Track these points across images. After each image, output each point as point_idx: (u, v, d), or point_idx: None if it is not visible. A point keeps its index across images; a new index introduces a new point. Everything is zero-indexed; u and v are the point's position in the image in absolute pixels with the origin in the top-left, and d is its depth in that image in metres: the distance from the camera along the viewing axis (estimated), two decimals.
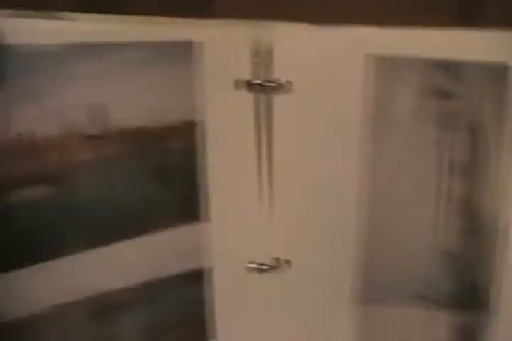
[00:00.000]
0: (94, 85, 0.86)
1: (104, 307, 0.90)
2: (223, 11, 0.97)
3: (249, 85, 0.93)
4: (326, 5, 0.98)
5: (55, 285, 0.84)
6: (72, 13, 0.84)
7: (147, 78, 0.89)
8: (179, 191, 0.93)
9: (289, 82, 0.94)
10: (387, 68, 0.91)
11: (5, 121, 0.79)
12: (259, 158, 0.96)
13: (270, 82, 0.94)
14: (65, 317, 0.86)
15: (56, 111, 0.81)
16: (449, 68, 0.88)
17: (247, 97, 0.94)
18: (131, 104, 0.88)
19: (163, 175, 0.92)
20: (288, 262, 0.97)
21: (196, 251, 0.95)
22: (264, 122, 0.95)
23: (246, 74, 0.94)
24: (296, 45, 0.93)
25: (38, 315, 0.82)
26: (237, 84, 0.93)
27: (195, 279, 0.96)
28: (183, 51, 0.91)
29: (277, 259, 0.97)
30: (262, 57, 0.94)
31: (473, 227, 0.92)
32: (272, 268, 0.97)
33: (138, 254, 0.92)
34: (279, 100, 0.95)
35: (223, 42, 0.93)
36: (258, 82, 0.94)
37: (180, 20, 0.90)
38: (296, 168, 0.96)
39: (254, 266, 0.97)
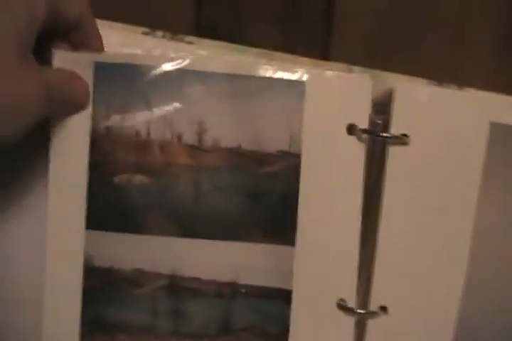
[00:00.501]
0: (200, 106, 0.97)
1: (178, 289, 1.02)
2: (339, 53, 1.04)
3: (364, 132, 0.97)
4: (448, 63, 0.99)
5: (139, 254, 1.00)
6: (191, 36, 1.00)
7: (250, 108, 0.97)
8: (268, 211, 1.00)
9: (406, 136, 0.96)
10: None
11: (128, 121, 0.97)
12: (364, 205, 0.99)
13: (386, 132, 0.97)
14: (140, 283, 1.01)
15: (169, 121, 0.97)
16: None
17: (358, 144, 0.98)
18: (230, 127, 0.98)
19: (253, 193, 1.00)
20: (384, 309, 1.00)
21: (281, 271, 1.01)
22: (374, 172, 0.98)
23: (361, 121, 0.97)
24: (417, 99, 0.95)
25: (117, 270, 1.00)
26: (351, 129, 0.97)
27: (276, 297, 1.01)
28: (294, 89, 0.97)
29: (372, 303, 1.01)
30: (381, 106, 0.97)
31: None
32: (366, 312, 1.01)
33: (223, 256, 1.01)
34: (393, 152, 0.98)
35: (341, 86, 0.97)
36: (373, 130, 0.97)
37: (299, 59, 0.99)
38: (404, 222, 0.98)
39: (344, 304, 1.00)
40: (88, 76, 0.96)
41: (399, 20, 1.06)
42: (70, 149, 0.98)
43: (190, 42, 1.00)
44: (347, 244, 1.01)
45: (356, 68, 1.00)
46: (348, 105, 0.99)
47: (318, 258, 1.01)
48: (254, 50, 0.98)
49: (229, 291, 1.02)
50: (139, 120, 0.98)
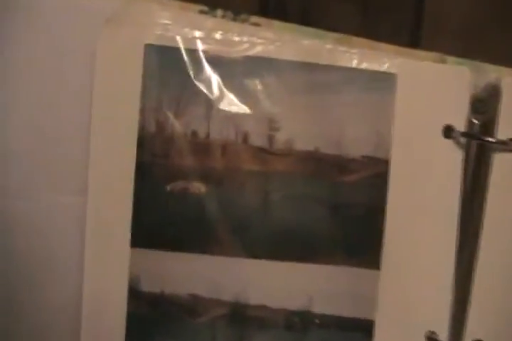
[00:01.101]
0: (270, 101, 0.83)
1: (241, 319, 0.87)
2: (430, 40, 0.89)
3: (463, 136, 0.83)
4: None
5: (196, 277, 0.86)
6: (257, 17, 0.84)
7: (330, 104, 0.83)
8: (347, 228, 0.85)
9: None
10: None
11: (183, 116, 0.83)
12: (462, 222, 0.85)
13: (490, 136, 0.83)
14: (196, 312, 0.86)
15: (233, 118, 0.82)
16: None
17: (456, 150, 0.84)
18: (306, 126, 0.84)
19: (332, 206, 0.85)
20: None
21: (363, 298, 0.87)
22: (474, 182, 0.84)
23: (459, 121, 0.83)
24: None
25: (168, 295, 0.85)
26: (448, 131, 0.83)
27: (355, 329, 0.87)
28: (382, 83, 0.83)
29: (466, 336, 0.87)
30: (482, 104, 0.83)
31: None
32: None
33: (295, 280, 0.87)
34: (499, 160, 0.84)
35: (437, 80, 0.84)
36: (474, 134, 0.83)
37: (384, 46, 0.84)
38: (509, 243, 0.86)
39: (434, 337, 0.87)
40: (138, 60, 0.82)
41: (505, 2, 0.90)
42: (113, 149, 0.84)
43: (256, 24, 0.84)
44: (440, 267, 0.86)
45: (451, 58, 0.84)
46: (445, 102, 0.85)
47: (406, 284, 0.86)
48: (332, 35, 0.83)
49: (301, 321, 0.87)
50: (197, 116, 0.84)
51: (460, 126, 0.84)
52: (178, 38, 0.82)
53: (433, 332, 0.86)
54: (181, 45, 0.82)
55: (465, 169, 0.84)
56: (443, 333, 0.86)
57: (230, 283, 0.86)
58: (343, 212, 0.85)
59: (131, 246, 0.84)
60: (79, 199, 0.83)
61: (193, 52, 0.83)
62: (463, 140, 0.84)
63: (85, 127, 0.82)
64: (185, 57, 0.83)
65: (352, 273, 0.85)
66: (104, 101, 0.82)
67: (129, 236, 0.83)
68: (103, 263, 0.84)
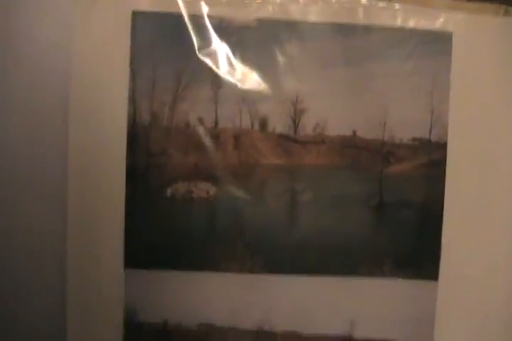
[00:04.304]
0: (293, 75, 0.66)
1: None
2: None
3: None
4: None
5: (208, 301, 0.68)
6: None
7: (369, 75, 0.66)
8: (398, 233, 0.69)
9: None
10: None
11: (184, 100, 0.66)
12: None
13: None
14: None
15: (246, 99, 0.65)
16: None
17: None
18: (341, 106, 0.67)
19: (376, 206, 0.68)
20: None
21: (413, 317, 0.70)
22: None
23: None
24: None
25: (174, 326, 0.68)
26: None
27: None
28: (435, 45, 0.66)
29: None
30: None
31: None
32: None
33: (333, 298, 0.69)
34: None
35: (502, 39, 0.66)
36: None
37: (437, 0, 0.67)
38: None
39: None
40: (124, 33, 0.64)
41: None
42: (97, 150, 0.65)
43: None
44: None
45: None
46: None
47: (472, 299, 0.69)
48: None
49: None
50: (201, 99, 0.66)
51: None
52: (178, 0, 0.65)
53: None
54: (182, 10, 0.65)
55: None
56: None
57: (251, 307, 0.68)
58: (389, 213, 0.68)
59: (124, 268, 0.66)
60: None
61: (195, 18, 0.66)
62: None
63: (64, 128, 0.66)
64: (188, 25, 0.65)
65: (403, 286, 0.68)
66: (84, 89, 0.64)
67: (122, 256, 0.66)
68: (89, 290, 0.66)
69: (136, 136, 0.65)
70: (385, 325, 0.69)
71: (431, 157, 0.67)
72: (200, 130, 0.65)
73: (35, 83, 0.65)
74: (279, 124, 0.66)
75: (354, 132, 0.66)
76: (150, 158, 0.65)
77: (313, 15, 0.65)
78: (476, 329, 0.69)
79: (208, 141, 0.65)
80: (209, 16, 0.65)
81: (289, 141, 0.66)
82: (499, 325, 0.68)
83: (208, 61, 0.65)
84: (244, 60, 0.65)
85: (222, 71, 0.65)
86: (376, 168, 0.67)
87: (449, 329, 0.69)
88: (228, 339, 0.68)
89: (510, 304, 0.69)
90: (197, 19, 0.65)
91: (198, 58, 0.65)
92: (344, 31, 0.65)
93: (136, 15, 0.64)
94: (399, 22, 0.66)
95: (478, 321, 0.69)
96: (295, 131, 0.66)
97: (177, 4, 0.64)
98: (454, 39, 0.66)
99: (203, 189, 0.66)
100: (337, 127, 0.66)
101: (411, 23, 0.66)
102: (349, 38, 0.65)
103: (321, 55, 0.66)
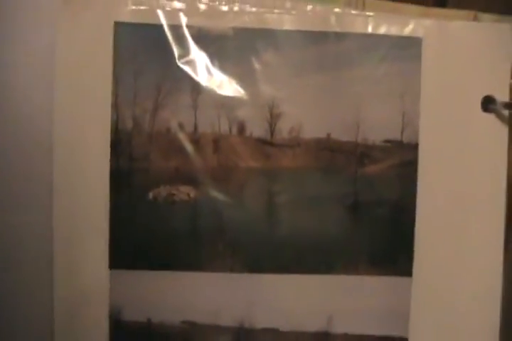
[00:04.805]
0: (269, 82, 0.68)
1: None
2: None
3: (508, 107, 0.68)
4: None
5: (190, 300, 0.70)
6: None
7: (342, 80, 0.69)
8: (373, 231, 0.71)
9: None
10: None
11: (164, 107, 0.68)
12: (509, 214, 0.71)
13: None
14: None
15: (224, 105, 0.67)
16: None
17: (499, 125, 0.70)
18: (315, 110, 0.69)
19: (351, 206, 0.70)
20: None
21: (394, 312, 0.72)
22: None
23: (501, 92, 0.69)
24: None
25: (157, 324, 0.70)
26: (487, 104, 0.69)
27: None
28: (405, 50, 0.68)
29: None
30: None
31: None
32: None
33: (311, 295, 0.71)
34: None
35: (470, 43, 0.69)
36: None
37: (403, 6, 0.69)
38: None
39: None
40: (107, 43, 0.67)
41: None
42: (81, 156, 0.68)
43: None
44: (486, 274, 0.71)
45: (486, 16, 0.70)
46: (482, 69, 0.70)
47: (445, 295, 0.71)
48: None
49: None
50: (181, 105, 0.68)
51: (502, 95, 0.69)
52: (158, 11, 0.67)
53: None
54: (162, 21, 0.67)
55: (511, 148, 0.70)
56: None
57: (231, 305, 0.70)
58: (364, 213, 0.70)
59: (110, 269, 0.68)
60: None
61: (175, 28, 0.68)
62: (506, 112, 0.69)
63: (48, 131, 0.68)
64: (168, 35, 0.67)
65: (378, 282, 0.70)
66: (68, 97, 0.66)
67: (106, 256, 0.68)
68: (76, 291, 0.68)
69: (119, 142, 0.67)
70: (362, 321, 0.71)
71: (403, 158, 0.69)
72: (181, 135, 0.67)
73: (18, 92, 0.67)
74: (256, 129, 0.68)
75: (328, 135, 0.68)
76: (132, 162, 0.67)
77: (288, 23, 0.67)
78: (450, 323, 0.71)
79: (188, 146, 0.67)
80: (188, 26, 0.67)
81: (265, 145, 0.68)
82: (472, 318, 0.71)
83: (187, 69, 0.67)
84: (222, 67, 0.67)
85: (201, 78, 0.67)
86: (350, 169, 0.69)
87: (423, 322, 0.71)
88: (210, 336, 0.70)
89: (484, 298, 0.71)
90: (176, 29, 0.67)
91: (178, 67, 0.67)
92: (318, 38, 0.68)
93: (118, 25, 0.66)
94: (370, 28, 0.68)
95: (451, 315, 0.71)
96: (271, 135, 0.68)
97: (157, 15, 0.67)
98: (423, 44, 0.68)
99: (184, 192, 0.68)
100: (312, 130, 0.68)
101: (382, 30, 0.68)
102: (323, 44, 0.68)
103: (296, 62, 0.68)
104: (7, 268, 0.69)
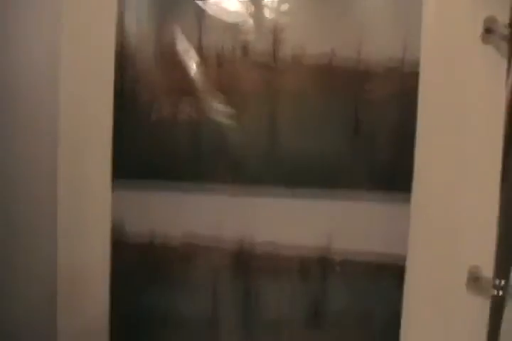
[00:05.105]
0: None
1: (248, 261, 0.73)
2: None
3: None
4: None
5: (192, 212, 0.71)
6: None
7: None
8: (372, 148, 0.72)
9: None
10: None
11: (168, 21, 0.69)
12: (507, 140, 0.69)
13: None
14: (194, 254, 0.72)
15: (229, 26, 0.69)
16: None
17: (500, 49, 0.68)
18: (320, 25, 0.69)
19: (349, 126, 0.71)
20: None
21: (388, 229, 0.73)
22: None
23: (502, 13, 0.67)
24: None
25: (160, 236, 0.72)
26: (489, 26, 0.67)
27: (383, 267, 0.74)
28: None
29: None
30: None
31: None
32: (508, 284, 0.71)
33: (312, 210, 0.72)
34: None
35: None
36: None
37: None
38: None
39: (477, 274, 0.71)
40: None
41: None
42: (86, 70, 0.68)
43: None
44: (484, 191, 0.70)
45: None
46: None
47: (444, 212, 0.71)
48: None
49: (319, 259, 0.73)
50: (184, 21, 0.69)
51: (503, 18, 0.67)
52: None
53: (477, 267, 0.71)
54: None
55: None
56: (488, 268, 0.71)
57: (233, 218, 0.72)
58: (365, 134, 0.71)
59: (112, 179, 0.69)
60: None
61: None
62: (506, 41, 0.67)
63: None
64: None
65: (378, 199, 0.72)
66: (75, 11, 0.68)
67: (109, 167, 0.69)
68: (78, 202, 0.69)
69: (124, 59, 0.69)
70: (362, 237, 0.72)
71: (404, 82, 0.70)
72: (186, 56, 0.69)
73: None
74: (259, 53, 0.70)
75: (332, 50, 0.69)
76: (136, 78, 0.70)
77: None
78: (448, 240, 0.71)
79: (192, 66, 0.69)
80: None
81: (268, 68, 0.70)
82: (470, 235, 0.71)
83: None
84: None
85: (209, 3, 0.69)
86: (352, 87, 0.70)
87: (422, 240, 0.71)
88: (211, 248, 0.71)
89: (482, 214, 0.71)
90: None
91: None
92: None
93: None
94: None
95: (450, 232, 0.71)
96: (274, 52, 0.69)
97: None
98: None
99: (187, 111, 0.70)
100: (316, 46, 0.69)
101: None
102: None
103: None
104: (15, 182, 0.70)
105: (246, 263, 0.72)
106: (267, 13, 0.69)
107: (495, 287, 0.70)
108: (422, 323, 0.72)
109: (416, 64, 0.69)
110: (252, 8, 0.69)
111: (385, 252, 0.72)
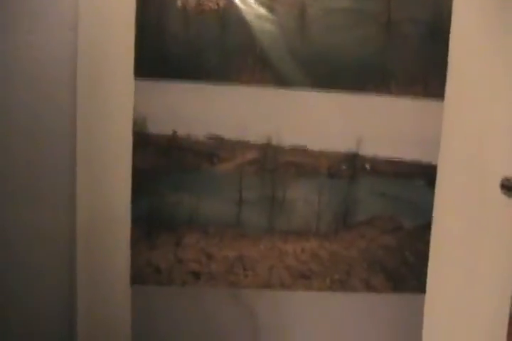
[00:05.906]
0: None
1: (273, 166, 0.73)
2: None
3: None
4: None
5: (217, 112, 0.70)
6: None
7: None
8: (405, 52, 0.69)
9: None
10: None
11: None
12: None
13: None
14: (217, 158, 0.70)
15: None
16: None
17: None
18: None
19: (382, 22, 0.67)
20: None
21: (418, 134, 0.71)
22: None
23: None
24: None
25: (182, 137, 0.70)
26: None
27: (413, 174, 0.72)
28: None
29: None
30: None
31: None
32: None
33: (342, 115, 0.70)
34: None
35: None
36: None
37: None
38: None
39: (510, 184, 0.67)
40: None
41: None
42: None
43: None
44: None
45: None
46: None
47: (476, 120, 0.68)
48: None
49: (348, 168, 0.71)
50: None
51: None
52: None
53: (509, 179, 0.67)
54: None
55: None
56: None
57: (259, 120, 0.70)
58: (398, 31, 0.67)
59: (135, 78, 0.66)
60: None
61: None
62: None
63: None
64: None
65: (410, 105, 0.69)
66: None
67: (131, 66, 0.65)
68: (99, 101, 0.66)
69: None
70: (392, 144, 0.70)
71: None
72: None
73: None
74: None
75: None
76: None
77: None
78: (479, 152, 0.69)
79: None
80: None
81: None
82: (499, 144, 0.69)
83: None
84: None
85: None
86: None
87: (453, 150, 0.69)
88: (236, 151, 0.69)
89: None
90: None
91: None
92: None
93: None
94: None
95: (489, 146, 0.68)
96: None
97: None
98: None
99: (213, 0, 0.66)
100: None
101: None
102: None
103: None
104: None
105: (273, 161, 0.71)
106: None
107: None
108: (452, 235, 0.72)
109: None
110: None
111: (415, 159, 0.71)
